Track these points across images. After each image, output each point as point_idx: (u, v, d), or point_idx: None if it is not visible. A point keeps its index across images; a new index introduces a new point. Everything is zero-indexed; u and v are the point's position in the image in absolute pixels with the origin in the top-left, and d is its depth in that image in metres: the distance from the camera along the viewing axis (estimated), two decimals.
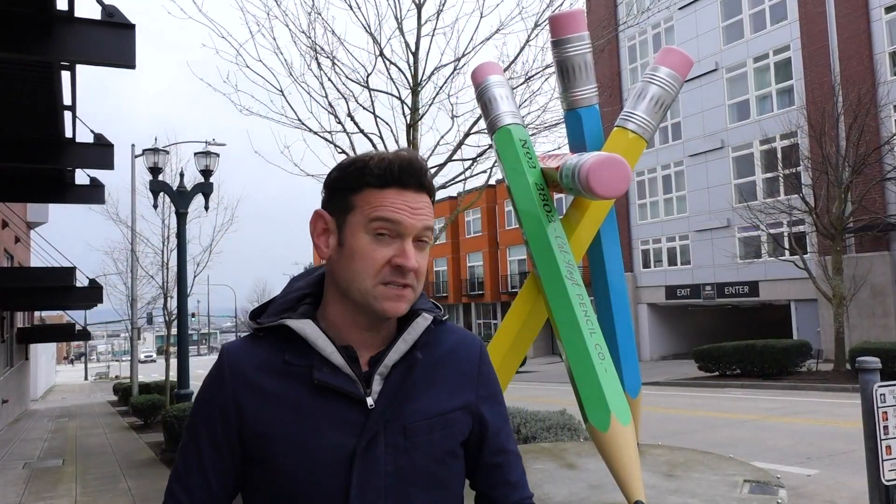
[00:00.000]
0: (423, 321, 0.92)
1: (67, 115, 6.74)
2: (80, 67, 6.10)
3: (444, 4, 6.03)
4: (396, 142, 6.29)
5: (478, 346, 0.99)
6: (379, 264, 0.86)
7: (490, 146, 5.79)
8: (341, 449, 0.84)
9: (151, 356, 52.14)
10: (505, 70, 5.63)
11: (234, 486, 0.91)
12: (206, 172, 9.43)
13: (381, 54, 6.10)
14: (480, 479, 0.97)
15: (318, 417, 0.85)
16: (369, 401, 0.86)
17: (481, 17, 6.22)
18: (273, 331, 0.91)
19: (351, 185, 0.88)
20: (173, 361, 11.69)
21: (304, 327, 0.88)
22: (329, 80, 6.20)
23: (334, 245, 0.89)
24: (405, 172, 0.87)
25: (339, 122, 6.25)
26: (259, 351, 0.90)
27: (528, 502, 0.97)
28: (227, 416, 0.88)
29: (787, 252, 16.07)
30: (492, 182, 10.11)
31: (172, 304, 12.01)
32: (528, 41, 6.22)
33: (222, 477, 0.90)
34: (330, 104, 6.22)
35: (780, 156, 17.43)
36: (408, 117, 6.17)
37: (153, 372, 28.48)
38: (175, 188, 9.67)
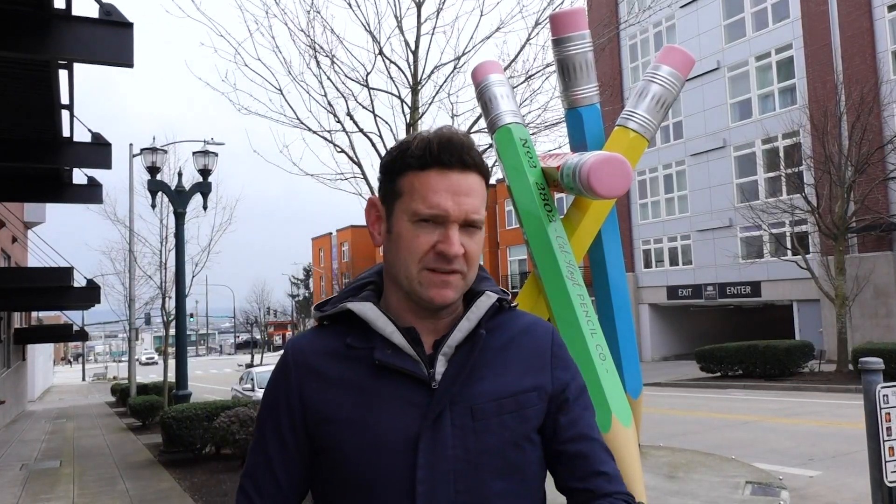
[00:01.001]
0: (487, 299, 0.89)
1: (65, 114, 6.71)
2: (77, 66, 6.06)
3: (443, 3, 5.99)
4: (396, 141, 6.24)
5: (549, 329, 0.95)
6: (422, 251, 0.83)
7: (490, 145, 5.75)
8: (407, 430, 0.82)
9: (153, 358, 50.94)
10: (505, 69, 5.58)
11: (302, 481, 0.90)
12: (205, 172, 9.40)
13: (381, 53, 6.07)
14: (567, 472, 0.88)
15: (381, 399, 0.84)
16: (433, 381, 0.84)
17: (481, 15, 6.18)
18: (337, 318, 0.90)
19: (395, 168, 0.86)
20: (172, 362, 11.65)
21: (365, 309, 0.87)
22: (328, 78, 6.17)
23: (385, 232, 0.89)
24: (445, 151, 0.83)
25: (339, 122, 6.23)
26: (323, 339, 0.90)
27: (629, 497, 0.86)
28: (292, 406, 0.87)
29: (789, 252, 16.00)
30: (492, 181, 10.07)
31: (171, 304, 11.99)
32: (528, 40, 6.19)
33: (289, 471, 0.88)
34: (329, 103, 6.19)
35: (782, 155, 17.35)
36: (407, 116, 6.14)
37: (152, 373, 28.45)
38: (173, 188, 9.65)
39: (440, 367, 0.86)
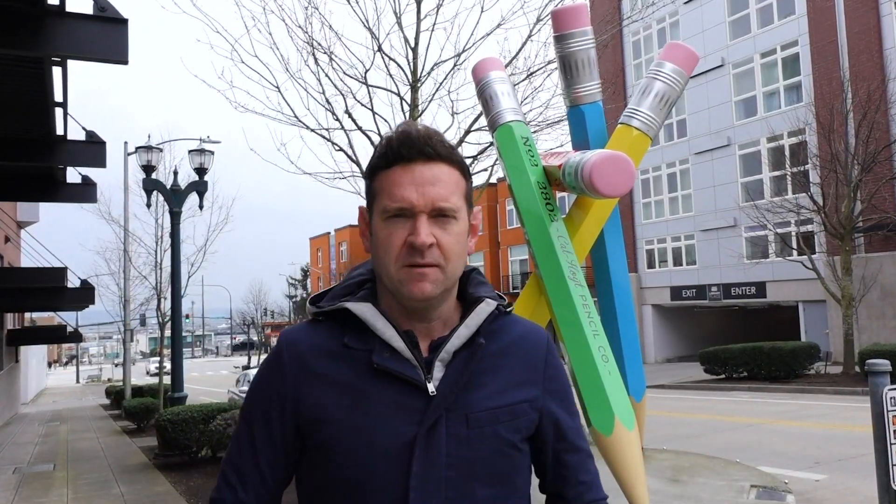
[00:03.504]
0: (487, 307, 0.90)
1: (59, 112, 6.64)
2: (71, 63, 5.99)
3: None
4: None
5: (544, 338, 0.96)
6: (396, 247, 0.84)
7: (491, 144, 5.68)
8: (401, 436, 0.82)
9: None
10: (506, 66, 5.49)
11: (285, 474, 0.90)
12: (201, 170, 9.34)
13: (380, 50, 6.00)
14: (550, 479, 0.94)
15: (377, 402, 0.83)
16: (430, 387, 0.84)
17: (482, 11, 6.12)
18: (333, 315, 0.89)
19: (369, 172, 0.88)
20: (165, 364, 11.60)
21: (364, 310, 0.87)
22: (326, 76, 6.11)
23: (369, 237, 0.90)
24: (404, 145, 0.84)
25: (337, 119, 6.17)
26: (318, 335, 0.89)
27: (603, 503, 0.94)
28: (284, 400, 0.87)
29: (794, 252, 15.88)
30: (493, 180, 9.98)
31: (166, 305, 11.94)
32: (530, 36, 6.12)
33: (274, 465, 0.88)
34: (327, 101, 6.13)
35: (787, 153, 17.23)
36: (407, 114, 6.07)
37: (143, 373, 28.45)
38: (169, 187, 9.59)
39: (437, 372, 0.85)
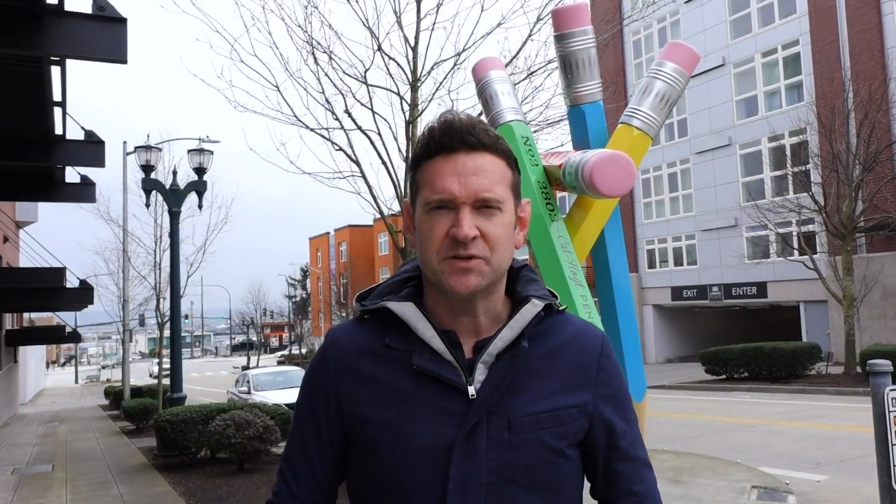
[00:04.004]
0: (533, 308, 0.87)
1: (57, 111, 6.62)
2: (70, 62, 5.97)
3: None
4: (395, 139, 6.16)
5: (598, 338, 0.91)
6: (438, 239, 0.82)
7: None
8: (440, 438, 0.81)
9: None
10: (507, 65, 5.46)
11: (337, 470, 0.90)
12: (200, 170, 9.31)
13: (380, 49, 5.99)
14: (601, 487, 0.91)
15: (417, 404, 0.83)
16: (471, 390, 0.82)
17: (482, 10, 6.10)
18: (377, 314, 0.89)
19: (412, 165, 0.87)
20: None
21: (405, 310, 0.86)
22: (326, 75, 6.10)
23: (413, 230, 0.89)
24: (446, 134, 0.82)
25: (337, 119, 6.15)
26: (362, 334, 0.89)
27: None
28: (329, 398, 0.88)
29: (796, 252, 15.83)
30: None
31: (165, 305, 11.92)
32: (530, 35, 6.10)
33: (324, 459, 0.89)
34: (327, 100, 6.12)
35: (788, 153, 17.19)
36: (407, 114, 6.05)
37: (145, 375, 28.49)
38: (168, 186, 9.56)
39: (479, 375, 0.83)
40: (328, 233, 46.86)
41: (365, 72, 6.01)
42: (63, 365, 71.30)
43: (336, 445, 0.89)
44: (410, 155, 6.04)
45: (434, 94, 6.20)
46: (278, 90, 6.06)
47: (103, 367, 51.64)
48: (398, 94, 6.04)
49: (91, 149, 7.29)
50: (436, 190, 0.81)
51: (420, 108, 6.06)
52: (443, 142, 0.82)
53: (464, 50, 6.08)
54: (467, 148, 0.82)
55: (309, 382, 0.91)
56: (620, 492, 0.89)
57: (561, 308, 0.91)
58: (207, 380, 32.43)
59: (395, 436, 0.82)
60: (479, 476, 0.80)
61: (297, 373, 14.15)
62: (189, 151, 9.50)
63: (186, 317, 44.44)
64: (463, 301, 0.84)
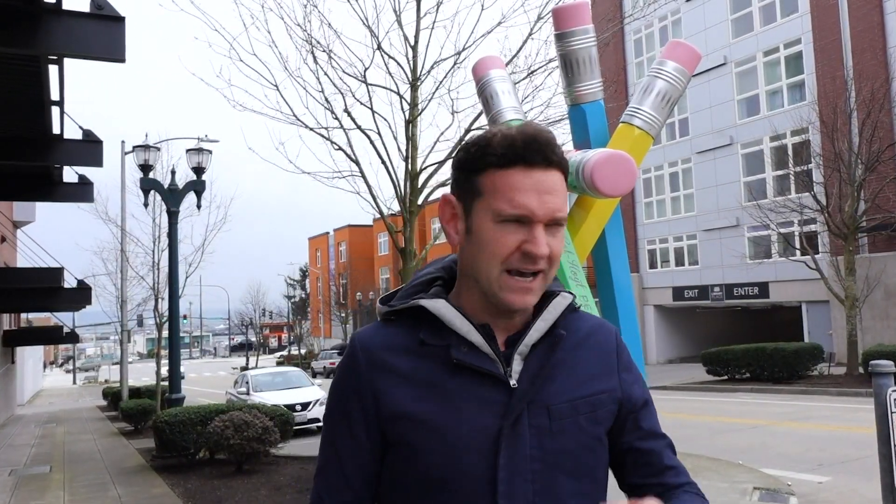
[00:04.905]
0: (563, 300, 0.90)
1: (55, 110, 6.59)
2: (68, 61, 5.94)
3: None
4: (395, 138, 6.14)
5: (613, 332, 0.97)
6: (507, 251, 0.83)
7: None
8: (485, 430, 0.82)
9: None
10: (507, 64, 5.43)
11: (373, 477, 0.89)
12: (199, 170, 9.28)
13: (379, 48, 5.96)
14: (637, 468, 0.92)
15: (459, 398, 0.84)
16: (512, 380, 0.84)
17: (482, 9, 6.09)
18: (405, 314, 0.89)
19: (475, 166, 0.85)
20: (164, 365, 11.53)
21: (439, 306, 0.87)
22: (325, 74, 6.08)
23: (463, 231, 0.88)
24: (529, 148, 0.83)
25: (336, 118, 6.13)
26: (391, 334, 0.89)
27: (696, 488, 0.91)
28: (364, 400, 0.86)
29: (798, 252, 15.78)
30: None
31: (163, 305, 11.90)
32: (530, 34, 6.08)
33: (361, 468, 0.88)
34: (326, 99, 6.10)
35: (790, 153, 17.12)
36: (406, 113, 6.03)
37: (144, 375, 28.48)
38: (166, 186, 9.53)
39: (516, 365, 0.86)
40: (328, 233, 46.82)
41: (364, 71, 5.99)
42: (61, 365, 70.92)
43: (374, 450, 0.87)
44: (415, 154, 5.96)
45: (434, 93, 6.17)
46: (277, 89, 6.04)
47: (88, 370, 51.09)
48: (398, 93, 6.02)
49: (89, 148, 7.26)
50: (514, 204, 0.82)
51: (420, 107, 6.03)
52: (525, 155, 0.82)
53: (464, 49, 6.06)
54: (545, 164, 0.83)
55: (339, 387, 0.89)
56: (657, 468, 0.91)
57: (578, 306, 0.95)
58: (206, 380, 32.42)
59: (439, 430, 0.82)
60: (524, 464, 0.82)
61: (297, 373, 14.11)
62: (188, 151, 9.47)
63: (185, 317, 44.18)
64: (514, 313, 0.87)
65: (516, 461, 0.82)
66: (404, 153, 6.00)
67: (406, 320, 0.89)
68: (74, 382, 44.07)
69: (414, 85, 5.96)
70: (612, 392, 0.90)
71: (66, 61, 5.90)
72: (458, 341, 0.85)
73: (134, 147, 9.82)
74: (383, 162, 6.05)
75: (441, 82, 6.10)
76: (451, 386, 0.84)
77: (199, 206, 9.74)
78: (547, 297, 0.89)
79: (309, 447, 8.35)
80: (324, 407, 1.07)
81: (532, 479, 0.82)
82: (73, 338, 19.79)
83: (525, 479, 0.82)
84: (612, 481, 0.94)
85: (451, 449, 0.82)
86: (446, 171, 6.04)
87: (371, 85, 6.01)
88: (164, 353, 14.87)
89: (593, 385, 0.89)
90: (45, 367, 51.27)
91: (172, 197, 9.25)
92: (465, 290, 0.89)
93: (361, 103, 6.11)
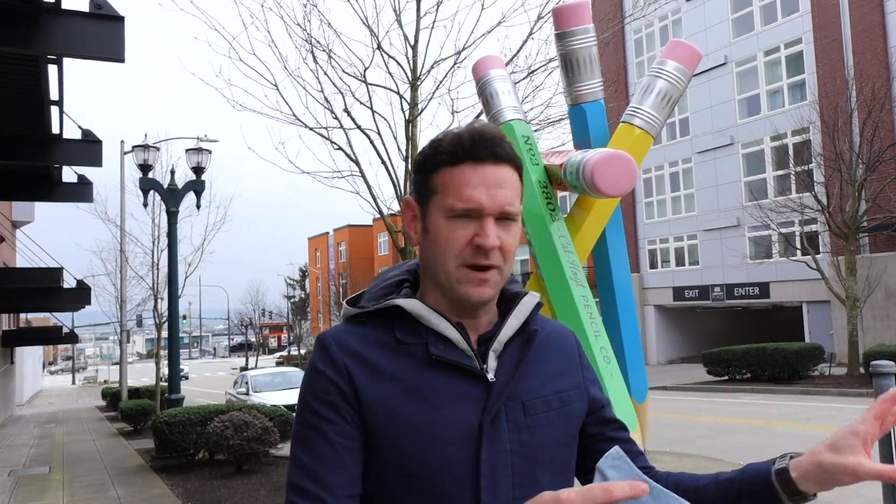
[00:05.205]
0: (532, 298, 0.93)
1: (54, 110, 6.58)
2: (67, 61, 5.93)
3: None
4: (395, 138, 6.12)
5: (572, 333, 1.01)
6: (459, 246, 0.85)
7: None
8: (466, 425, 0.83)
9: (182, 368, 43.69)
10: (507, 64, 5.41)
11: (362, 471, 0.84)
12: (198, 170, 9.25)
13: (379, 47, 5.94)
14: (595, 454, 0.92)
15: (439, 394, 0.85)
16: (489, 375, 0.86)
17: (482, 8, 6.06)
18: (376, 315, 0.89)
19: (428, 166, 0.88)
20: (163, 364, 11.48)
21: (414, 305, 0.88)
22: (325, 74, 6.06)
23: (421, 231, 0.90)
24: (477, 145, 0.85)
25: (336, 118, 6.11)
26: (364, 333, 0.88)
27: (654, 469, 0.94)
28: (345, 392, 0.84)
29: (798, 252, 15.76)
30: None
31: (163, 305, 11.88)
32: (531, 34, 6.05)
33: (357, 460, 0.83)
34: (326, 99, 6.08)
35: (791, 152, 17.12)
36: (406, 112, 6.01)
37: (144, 376, 28.47)
38: (166, 186, 9.50)
39: (491, 362, 0.88)
40: (327, 233, 46.79)
41: (364, 70, 5.97)
42: (59, 371, 70.26)
43: (358, 442, 0.83)
44: (415, 154, 5.95)
45: (434, 92, 6.15)
46: (277, 89, 6.02)
47: (82, 369, 50.58)
48: (398, 92, 6.00)
49: (88, 148, 7.24)
50: (463, 199, 0.84)
51: (420, 107, 6.01)
52: (473, 151, 0.84)
53: (464, 48, 6.03)
54: (494, 159, 0.85)
55: (316, 381, 0.84)
56: (631, 455, 0.92)
57: (542, 305, 0.99)
58: (206, 381, 32.41)
59: (422, 426, 0.82)
60: (505, 457, 0.84)
61: (296, 374, 14.10)
62: (187, 151, 9.43)
63: (184, 317, 43.97)
64: (473, 307, 0.88)
65: (497, 455, 0.83)
66: (404, 153, 5.98)
67: (378, 321, 0.89)
68: (74, 383, 44.08)
69: (414, 84, 5.94)
70: (578, 389, 0.93)
71: (66, 61, 5.90)
72: (436, 338, 0.86)
73: (133, 147, 9.80)
74: (383, 162, 6.03)
75: (441, 82, 6.08)
76: (431, 382, 0.84)
77: (198, 206, 9.72)
78: (514, 297, 0.92)
79: None
80: None
81: (512, 472, 0.84)
82: (72, 338, 19.80)
83: (506, 472, 0.83)
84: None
85: (433, 443, 0.82)
86: None
87: (371, 85, 5.99)
88: (164, 353, 14.88)
89: (561, 382, 0.92)
90: (43, 366, 51.10)
91: (172, 197, 9.22)
92: (430, 290, 0.91)
93: (361, 103, 6.10)
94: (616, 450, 0.73)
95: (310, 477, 0.81)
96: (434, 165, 0.87)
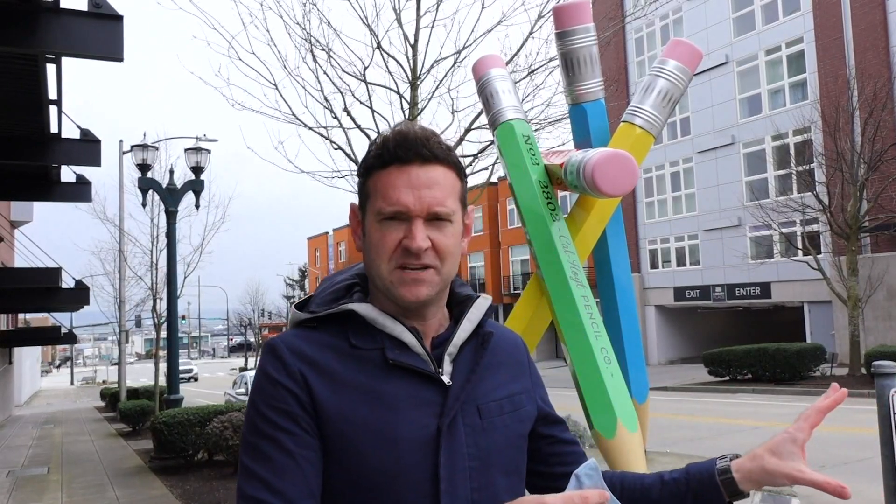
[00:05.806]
0: (485, 301, 0.93)
1: (53, 110, 6.57)
2: (66, 60, 5.92)
3: None
4: None
5: (520, 338, 1.01)
6: (390, 249, 0.84)
7: (492, 142, 5.59)
8: (424, 430, 0.83)
9: (191, 370, 35.35)
10: (507, 63, 5.39)
11: (321, 477, 0.82)
12: (197, 169, 9.24)
13: (379, 47, 5.92)
14: (548, 458, 0.96)
15: (397, 398, 0.83)
16: (445, 379, 0.86)
17: (483, 7, 6.03)
18: (328, 320, 0.88)
19: (363, 171, 0.88)
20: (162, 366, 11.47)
21: (368, 310, 0.87)
22: (325, 73, 6.03)
23: (361, 235, 0.90)
24: (401, 146, 0.84)
25: (335, 117, 6.09)
26: (316, 338, 0.86)
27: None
28: (301, 399, 0.81)
29: (800, 252, 15.74)
30: (493, 179, 9.88)
31: (162, 306, 11.85)
32: (531, 33, 6.03)
33: (317, 471, 0.81)
34: (325, 98, 6.05)
35: (792, 152, 17.10)
36: (406, 112, 5.99)
37: (142, 376, 28.46)
38: (165, 186, 9.50)
39: (447, 365, 0.87)
40: (327, 233, 46.75)
41: (364, 70, 5.95)
42: (59, 367, 70.55)
43: (316, 449, 0.81)
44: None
45: (434, 92, 6.13)
46: (276, 88, 6.00)
47: (69, 365, 50.35)
48: (398, 92, 5.98)
49: (87, 147, 7.24)
50: (390, 201, 0.83)
51: (420, 106, 6.00)
52: (397, 153, 0.84)
53: (464, 48, 6.01)
54: (421, 160, 0.84)
55: (267, 388, 0.81)
56: (580, 455, 0.95)
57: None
58: (205, 381, 32.37)
59: (380, 431, 0.81)
60: (462, 461, 0.83)
61: None
62: (186, 150, 9.43)
63: (183, 317, 43.95)
64: (414, 308, 0.87)
65: (455, 459, 0.83)
66: None
67: (330, 326, 0.87)
68: (72, 383, 44.17)
69: (414, 84, 5.92)
70: (528, 392, 0.94)
71: (65, 60, 5.88)
72: (391, 343, 0.85)
73: (132, 146, 9.79)
74: None
75: (441, 81, 6.06)
76: (388, 387, 0.83)
77: (197, 206, 9.72)
78: (466, 301, 0.92)
79: None
80: None
81: (470, 476, 0.83)
82: (70, 338, 19.80)
83: (464, 476, 0.83)
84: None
85: (391, 450, 0.80)
86: None
87: (370, 84, 5.98)
88: (163, 353, 14.85)
89: (512, 385, 0.92)
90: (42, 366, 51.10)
91: (171, 196, 9.22)
92: (376, 294, 0.90)
93: (361, 102, 6.08)
94: (592, 461, 0.78)
95: (269, 490, 0.77)
96: (366, 170, 0.87)
